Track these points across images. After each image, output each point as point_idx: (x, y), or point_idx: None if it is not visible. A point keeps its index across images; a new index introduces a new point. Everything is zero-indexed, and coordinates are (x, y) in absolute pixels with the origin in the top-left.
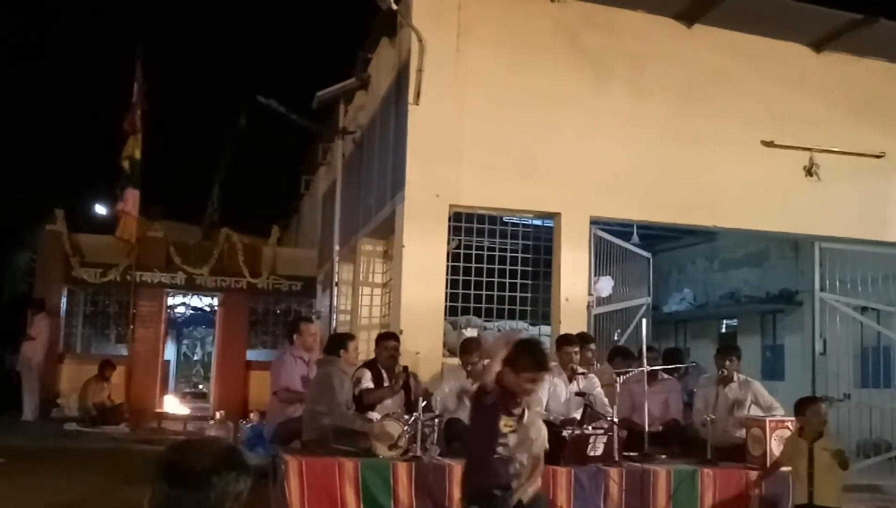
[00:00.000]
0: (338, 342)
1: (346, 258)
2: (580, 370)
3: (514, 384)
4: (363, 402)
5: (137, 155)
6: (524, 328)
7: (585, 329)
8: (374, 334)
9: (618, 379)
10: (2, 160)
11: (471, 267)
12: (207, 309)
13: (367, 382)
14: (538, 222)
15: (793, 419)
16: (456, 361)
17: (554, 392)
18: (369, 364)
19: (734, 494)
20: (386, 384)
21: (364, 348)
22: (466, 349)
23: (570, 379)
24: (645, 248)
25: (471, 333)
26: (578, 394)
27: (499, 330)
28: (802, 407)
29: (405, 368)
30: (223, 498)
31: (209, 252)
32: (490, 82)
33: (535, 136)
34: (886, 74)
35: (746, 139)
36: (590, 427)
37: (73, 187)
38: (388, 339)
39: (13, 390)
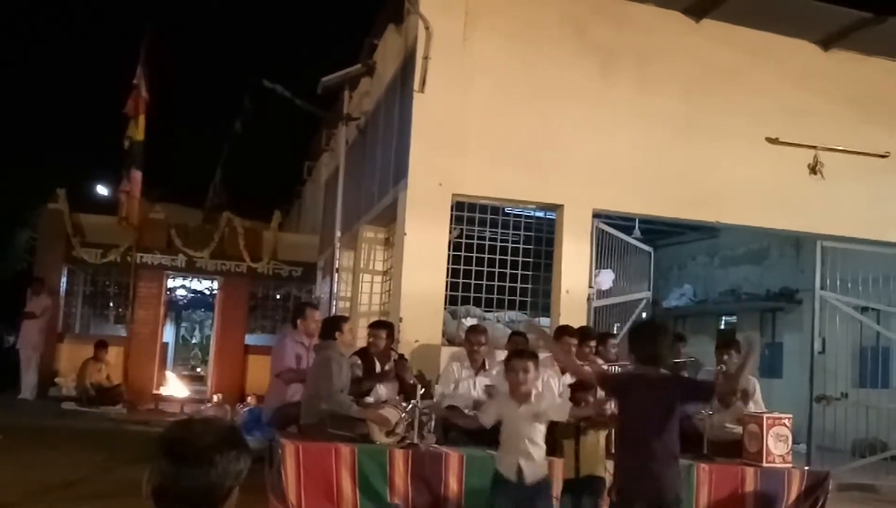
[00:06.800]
0: (332, 326)
1: (348, 245)
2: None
3: None
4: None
5: (139, 137)
6: (523, 320)
7: (585, 322)
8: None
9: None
10: (4, 138)
11: (472, 257)
12: (207, 292)
13: (357, 370)
14: (540, 214)
15: (790, 416)
16: (454, 350)
17: (547, 383)
18: (362, 352)
19: (730, 490)
20: (378, 372)
21: (363, 334)
22: (475, 331)
23: (563, 370)
24: (646, 242)
25: (470, 322)
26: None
27: (498, 320)
28: None
29: (401, 356)
30: (224, 476)
31: (210, 235)
32: (496, 72)
33: (539, 127)
34: (894, 74)
35: (751, 136)
36: None
37: (75, 167)
38: (377, 328)
39: (11, 368)
